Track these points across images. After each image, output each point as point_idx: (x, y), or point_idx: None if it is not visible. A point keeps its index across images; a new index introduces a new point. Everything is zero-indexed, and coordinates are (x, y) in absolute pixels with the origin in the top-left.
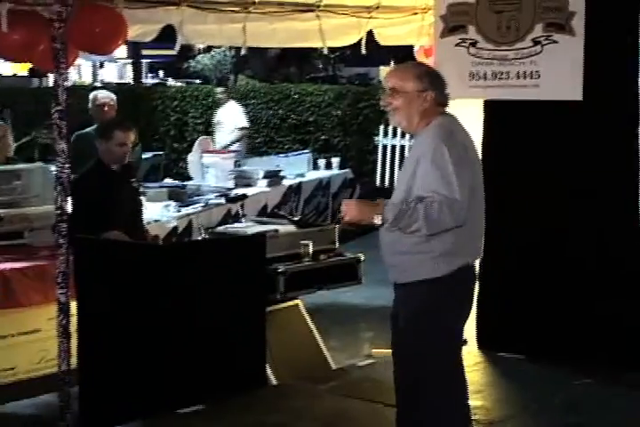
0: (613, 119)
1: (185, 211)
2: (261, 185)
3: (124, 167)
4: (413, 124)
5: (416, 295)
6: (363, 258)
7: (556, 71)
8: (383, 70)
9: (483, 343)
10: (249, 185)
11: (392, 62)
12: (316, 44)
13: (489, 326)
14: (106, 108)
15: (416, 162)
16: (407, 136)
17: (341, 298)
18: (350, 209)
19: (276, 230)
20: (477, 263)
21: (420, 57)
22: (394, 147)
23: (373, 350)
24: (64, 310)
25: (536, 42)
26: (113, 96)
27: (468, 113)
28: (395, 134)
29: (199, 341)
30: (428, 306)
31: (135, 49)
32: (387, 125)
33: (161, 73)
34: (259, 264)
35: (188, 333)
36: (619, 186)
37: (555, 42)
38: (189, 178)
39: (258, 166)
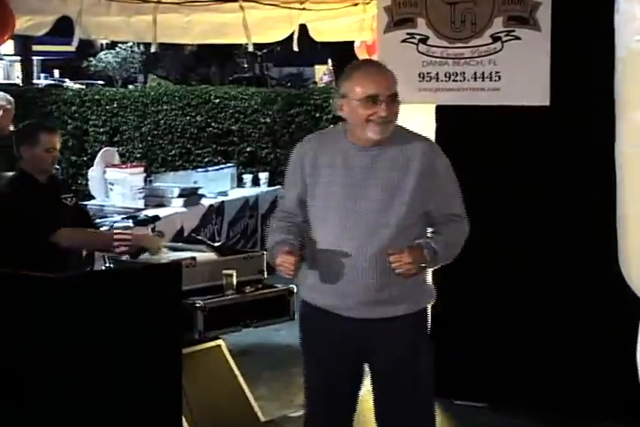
0: (585, 126)
1: None
2: (176, 205)
3: (52, 180)
4: None
5: (419, 324)
6: (295, 289)
7: (519, 72)
8: (319, 70)
9: (438, 390)
10: (162, 205)
11: (330, 61)
12: (240, 39)
13: (444, 371)
14: (0, 113)
15: (418, 174)
16: None
17: (272, 337)
18: (402, 262)
19: (194, 258)
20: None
21: (361, 54)
22: None
23: None
24: None
25: (495, 38)
26: (10, 98)
27: (417, 120)
28: None
29: (100, 389)
30: (426, 334)
31: (24, 44)
32: None
33: (56, 73)
34: (173, 298)
35: (86, 380)
36: (593, 203)
37: (517, 38)
38: (91, 197)
39: (172, 183)
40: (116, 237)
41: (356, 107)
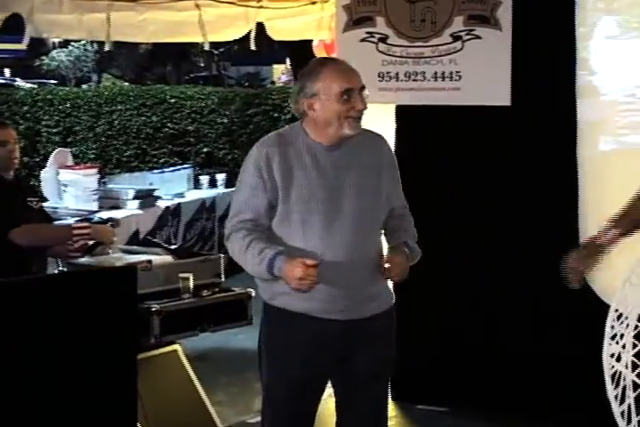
0: (546, 126)
1: None
2: (132, 207)
3: (19, 180)
4: None
5: (392, 318)
6: (254, 293)
7: (480, 72)
8: (277, 69)
9: (398, 395)
10: (117, 207)
11: (288, 60)
12: (196, 38)
13: (405, 375)
14: None
15: (379, 167)
16: None
17: (230, 342)
18: (399, 269)
19: (150, 261)
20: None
21: (319, 54)
22: None
23: None
24: None
25: (456, 37)
26: None
27: (376, 120)
28: None
29: (54, 394)
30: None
31: None
32: None
33: (7, 72)
34: (128, 302)
35: (38, 385)
36: (555, 204)
37: (478, 37)
38: (43, 199)
39: (127, 185)
40: (75, 231)
41: (332, 104)
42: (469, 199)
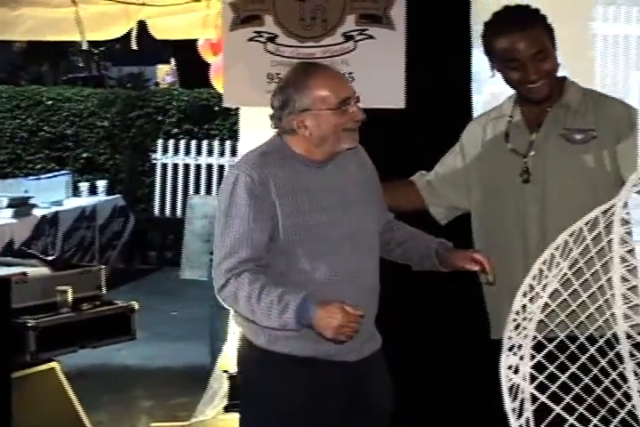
0: (441, 128)
1: None
2: (5, 216)
3: None
4: None
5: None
6: (137, 307)
7: (373, 73)
8: (161, 70)
9: None
10: None
11: (172, 61)
12: (73, 36)
13: None
14: None
15: (370, 180)
16: (193, 153)
17: (112, 358)
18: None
19: (25, 273)
20: None
21: (205, 54)
22: (176, 166)
23: (153, 425)
24: None
25: (348, 37)
26: None
27: (266, 124)
28: (177, 151)
29: None
30: None
31: None
32: (167, 139)
33: None
34: (1, 317)
35: None
36: None
37: (370, 37)
38: None
39: (0, 192)
40: None
41: (329, 117)
42: None
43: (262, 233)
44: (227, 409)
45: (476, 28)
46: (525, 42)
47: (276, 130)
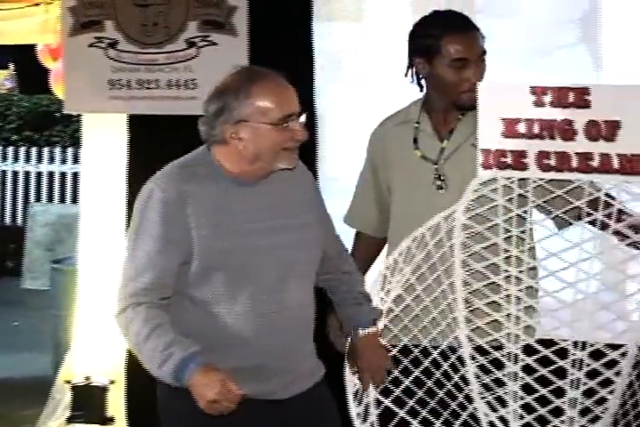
0: None
1: None
2: None
3: None
4: None
5: (327, 391)
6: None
7: (217, 79)
8: (0, 74)
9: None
10: None
11: (11, 66)
12: None
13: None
14: None
15: (308, 202)
16: (34, 161)
17: None
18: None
19: None
20: None
21: (45, 59)
22: (16, 174)
23: None
24: None
25: (191, 43)
26: None
27: (109, 131)
28: (17, 158)
29: None
30: None
31: None
32: (6, 146)
33: None
34: None
35: None
36: None
37: (213, 43)
38: None
39: None
40: None
41: (268, 133)
42: None
43: (172, 257)
44: (70, 420)
45: (318, 35)
46: (476, 42)
47: (205, 140)
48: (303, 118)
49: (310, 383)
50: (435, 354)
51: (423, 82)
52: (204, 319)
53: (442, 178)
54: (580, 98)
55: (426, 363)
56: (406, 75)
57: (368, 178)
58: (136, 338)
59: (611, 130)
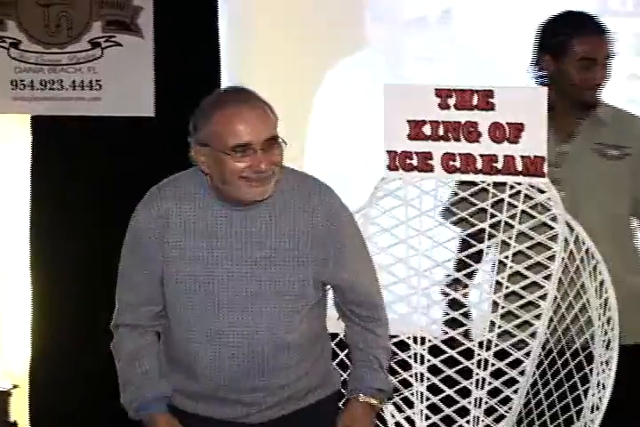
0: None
1: None
2: None
3: None
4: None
5: (332, 410)
6: None
7: (121, 81)
8: None
9: None
10: None
11: None
12: None
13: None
14: None
15: (331, 241)
16: None
17: None
18: None
19: None
20: None
21: None
22: None
23: None
24: None
25: (95, 44)
26: None
27: (11, 133)
28: None
29: None
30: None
31: None
32: None
33: None
34: None
35: None
36: None
37: (118, 44)
38: None
39: None
40: None
41: (223, 159)
42: (111, 215)
43: (152, 275)
44: None
45: (224, 37)
46: (605, 44)
47: None
48: (282, 145)
49: (299, 406)
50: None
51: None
52: (168, 340)
53: (558, 181)
54: (485, 100)
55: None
56: (529, 70)
57: None
58: (121, 355)
59: (515, 132)
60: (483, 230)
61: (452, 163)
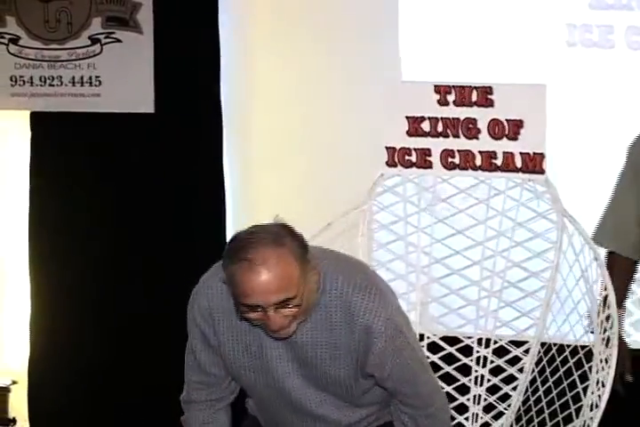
0: (192, 132)
1: None
2: None
3: None
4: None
5: None
6: None
7: (121, 77)
8: None
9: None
10: None
11: None
12: None
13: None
14: None
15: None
16: None
17: None
18: None
19: None
20: None
21: None
22: None
23: None
24: None
25: (94, 40)
26: None
27: (12, 129)
28: None
29: None
30: None
31: None
32: None
33: None
34: None
35: None
36: (205, 219)
37: (118, 40)
38: None
39: None
40: None
41: (238, 304)
42: (111, 211)
43: (214, 354)
44: None
45: (224, 34)
46: None
47: None
48: (291, 309)
49: None
50: None
51: None
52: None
53: None
54: (484, 97)
55: None
56: None
57: (628, 188)
58: None
59: (514, 128)
60: None
61: (451, 159)
